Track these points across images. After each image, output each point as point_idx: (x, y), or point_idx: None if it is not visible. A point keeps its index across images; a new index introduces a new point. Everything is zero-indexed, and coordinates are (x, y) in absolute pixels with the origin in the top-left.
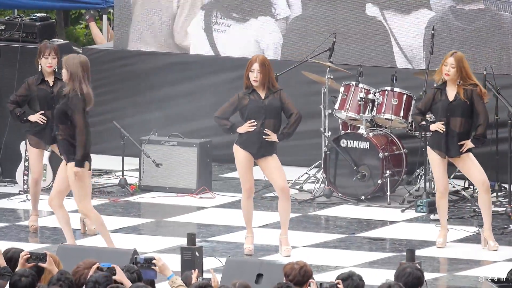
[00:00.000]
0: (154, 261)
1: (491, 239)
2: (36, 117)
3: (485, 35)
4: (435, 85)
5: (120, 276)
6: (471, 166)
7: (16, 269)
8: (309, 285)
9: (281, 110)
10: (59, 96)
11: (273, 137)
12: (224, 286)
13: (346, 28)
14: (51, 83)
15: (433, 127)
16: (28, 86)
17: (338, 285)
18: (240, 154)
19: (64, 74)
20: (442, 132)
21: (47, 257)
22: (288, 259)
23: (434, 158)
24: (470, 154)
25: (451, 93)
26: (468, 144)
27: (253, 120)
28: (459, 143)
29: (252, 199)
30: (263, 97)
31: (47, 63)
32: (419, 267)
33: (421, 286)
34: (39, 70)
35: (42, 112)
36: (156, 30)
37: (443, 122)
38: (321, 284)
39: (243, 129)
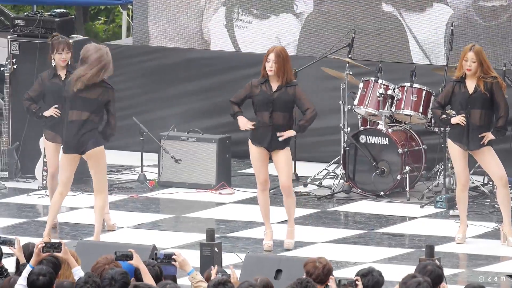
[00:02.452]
0: (174, 257)
1: (511, 235)
2: (50, 112)
3: (505, 31)
4: (453, 78)
5: (137, 261)
6: (490, 160)
7: (31, 261)
8: (328, 282)
9: (293, 104)
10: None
11: (288, 133)
12: (248, 281)
13: (365, 24)
14: (63, 77)
15: (454, 120)
16: (42, 80)
17: (357, 282)
18: (253, 149)
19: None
20: (463, 125)
21: (62, 246)
22: (307, 254)
23: (455, 151)
24: (490, 148)
25: (470, 85)
26: (489, 136)
27: (253, 123)
28: (479, 136)
29: (267, 193)
30: (274, 89)
31: (61, 59)
32: (439, 263)
33: (441, 283)
34: (53, 65)
35: (56, 106)
36: (182, 26)
37: (464, 115)
38: (339, 281)
39: (242, 123)
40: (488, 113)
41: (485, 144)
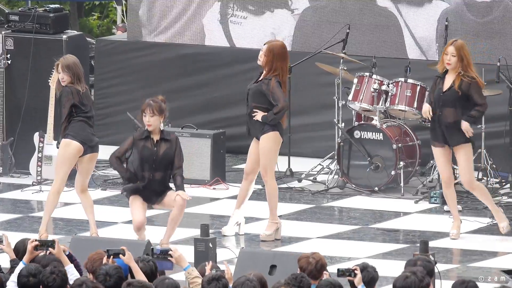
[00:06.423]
0: (170, 252)
1: (500, 221)
2: None
3: (498, 27)
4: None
5: (129, 259)
6: (462, 163)
7: (24, 258)
8: (322, 277)
9: (266, 98)
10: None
11: (258, 116)
12: (245, 276)
13: (359, 19)
14: (155, 141)
15: (423, 110)
16: (134, 141)
17: (356, 271)
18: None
19: (66, 78)
20: (435, 121)
21: (56, 244)
22: (302, 249)
23: (435, 150)
24: (468, 148)
25: (447, 82)
26: (463, 124)
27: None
28: (458, 130)
29: (247, 182)
30: (254, 81)
31: (146, 121)
32: (433, 258)
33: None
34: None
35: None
36: (176, 21)
37: (432, 111)
38: (338, 269)
39: None
40: (461, 111)
41: (468, 137)
